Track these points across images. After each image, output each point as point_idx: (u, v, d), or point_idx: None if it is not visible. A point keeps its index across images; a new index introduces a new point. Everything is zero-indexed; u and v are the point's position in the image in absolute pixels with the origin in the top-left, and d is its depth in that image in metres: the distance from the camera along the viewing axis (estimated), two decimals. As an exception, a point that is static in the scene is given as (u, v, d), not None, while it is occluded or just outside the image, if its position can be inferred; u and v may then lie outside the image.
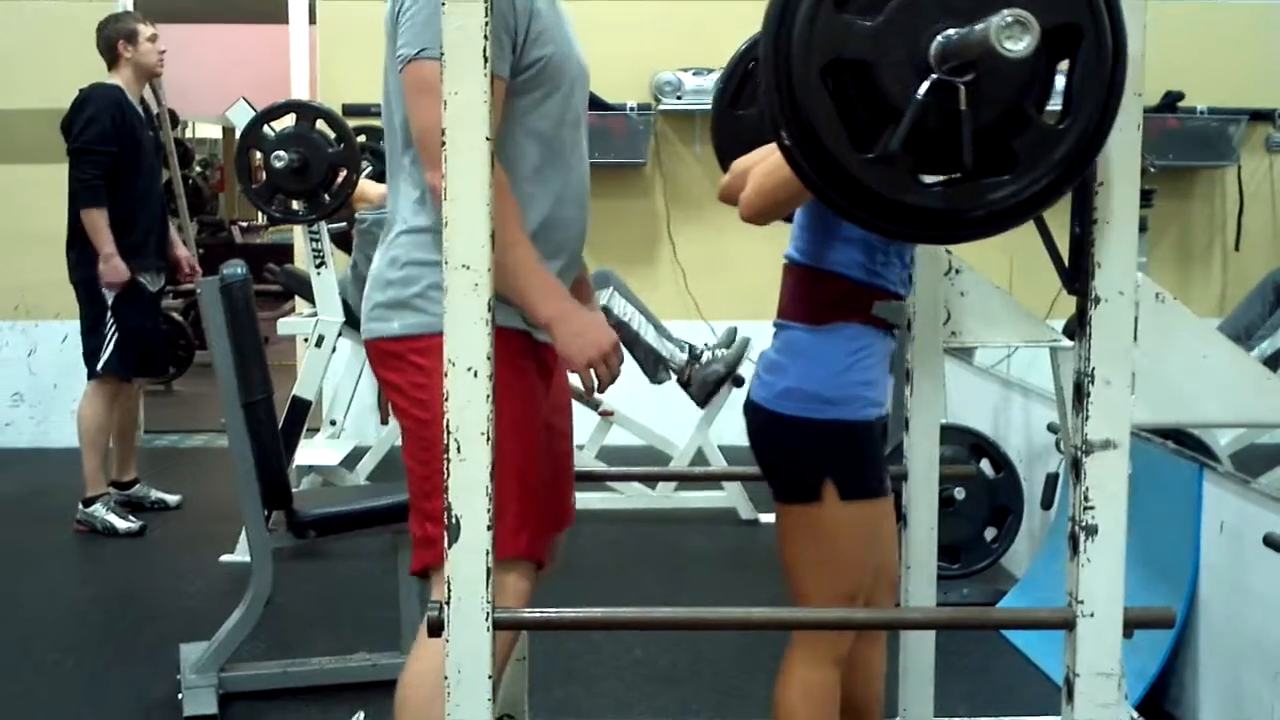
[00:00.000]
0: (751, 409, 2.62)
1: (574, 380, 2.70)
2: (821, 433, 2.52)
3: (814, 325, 2.53)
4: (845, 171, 1.89)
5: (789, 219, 2.65)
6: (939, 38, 1.82)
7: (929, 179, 1.91)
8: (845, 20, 1.85)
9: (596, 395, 2.55)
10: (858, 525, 2.54)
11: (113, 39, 5.68)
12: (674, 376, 5.67)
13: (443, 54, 1.94)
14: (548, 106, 2.51)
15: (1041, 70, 1.89)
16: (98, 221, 5.49)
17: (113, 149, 5.52)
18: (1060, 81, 1.90)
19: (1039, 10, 1.81)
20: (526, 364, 2.55)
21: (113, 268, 5.52)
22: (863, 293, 2.54)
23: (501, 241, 2.27)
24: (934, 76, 1.81)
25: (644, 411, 6.06)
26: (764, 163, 2.43)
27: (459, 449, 1.98)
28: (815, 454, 2.53)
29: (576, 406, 2.88)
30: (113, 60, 5.70)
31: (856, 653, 2.75)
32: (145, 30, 5.71)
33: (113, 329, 5.61)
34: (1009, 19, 1.70)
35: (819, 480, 2.50)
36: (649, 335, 5.68)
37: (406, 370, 2.52)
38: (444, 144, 1.96)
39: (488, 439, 1.98)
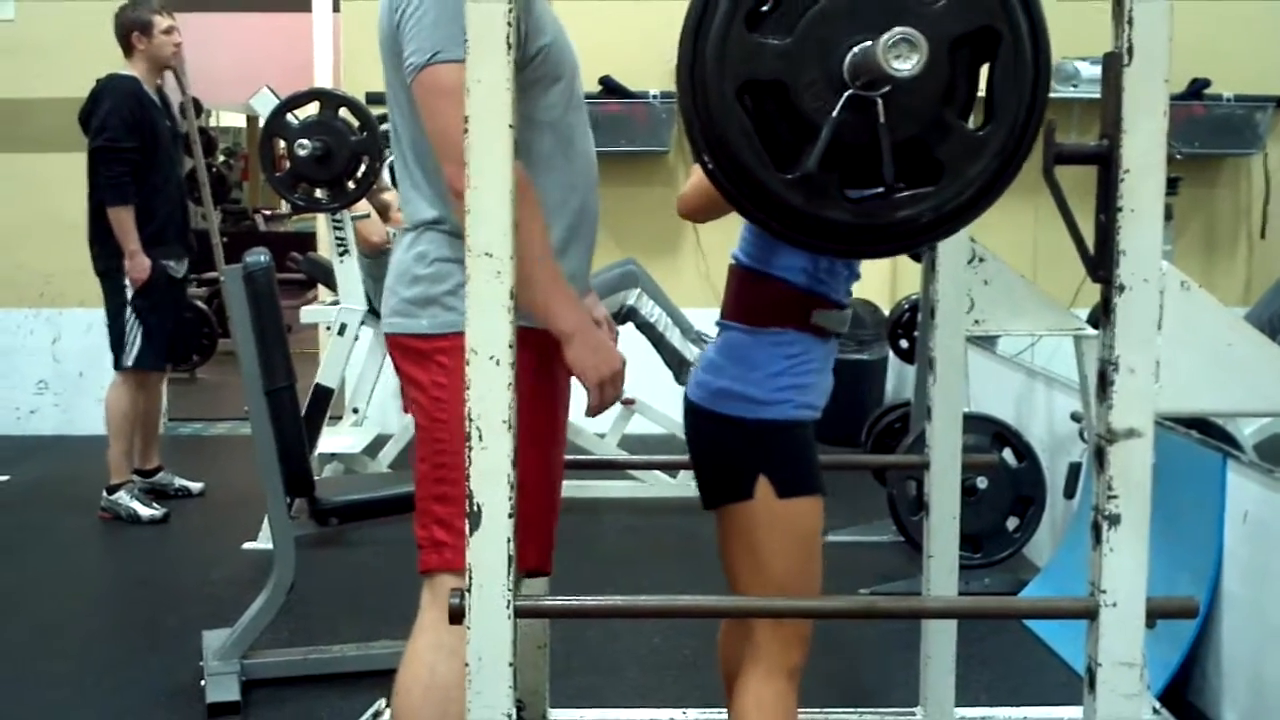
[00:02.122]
0: (688, 407, 2.63)
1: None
2: (752, 432, 2.52)
3: (752, 328, 2.53)
4: (766, 191, 1.89)
5: None
6: (852, 53, 1.81)
7: (855, 193, 1.90)
8: (757, 41, 1.84)
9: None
10: (797, 522, 2.54)
11: (127, 29, 5.68)
12: None
13: (466, 40, 1.93)
14: (553, 95, 2.51)
15: (963, 75, 1.88)
16: (124, 220, 5.50)
17: (135, 143, 5.53)
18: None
19: (954, 15, 1.81)
20: (550, 371, 2.54)
21: (138, 265, 5.54)
22: (803, 299, 2.52)
23: (529, 253, 2.28)
24: (849, 92, 1.81)
25: (665, 400, 6.05)
26: None
27: (480, 437, 1.98)
28: (747, 452, 2.53)
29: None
30: (128, 50, 5.70)
31: None
32: (161, 22, 5.70)
33: (136, 322, 5.63)
34: (896, 37, 1.69)
35: (752, 477, 2.50)
36: (674, 338, 5.67)
37: (431, 369, 2.51)
38: (466, 132, 1.96)
39: (509, 427, 1.98)
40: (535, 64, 2.45)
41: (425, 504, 2.57)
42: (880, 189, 1.89)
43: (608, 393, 2.48)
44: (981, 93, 1.93)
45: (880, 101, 1.79)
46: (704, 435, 2.61)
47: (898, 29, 1.70)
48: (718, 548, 2.64)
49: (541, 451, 2.53)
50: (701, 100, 1.87)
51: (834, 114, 1.81)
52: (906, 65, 1.70)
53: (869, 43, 1.78)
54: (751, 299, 2.55)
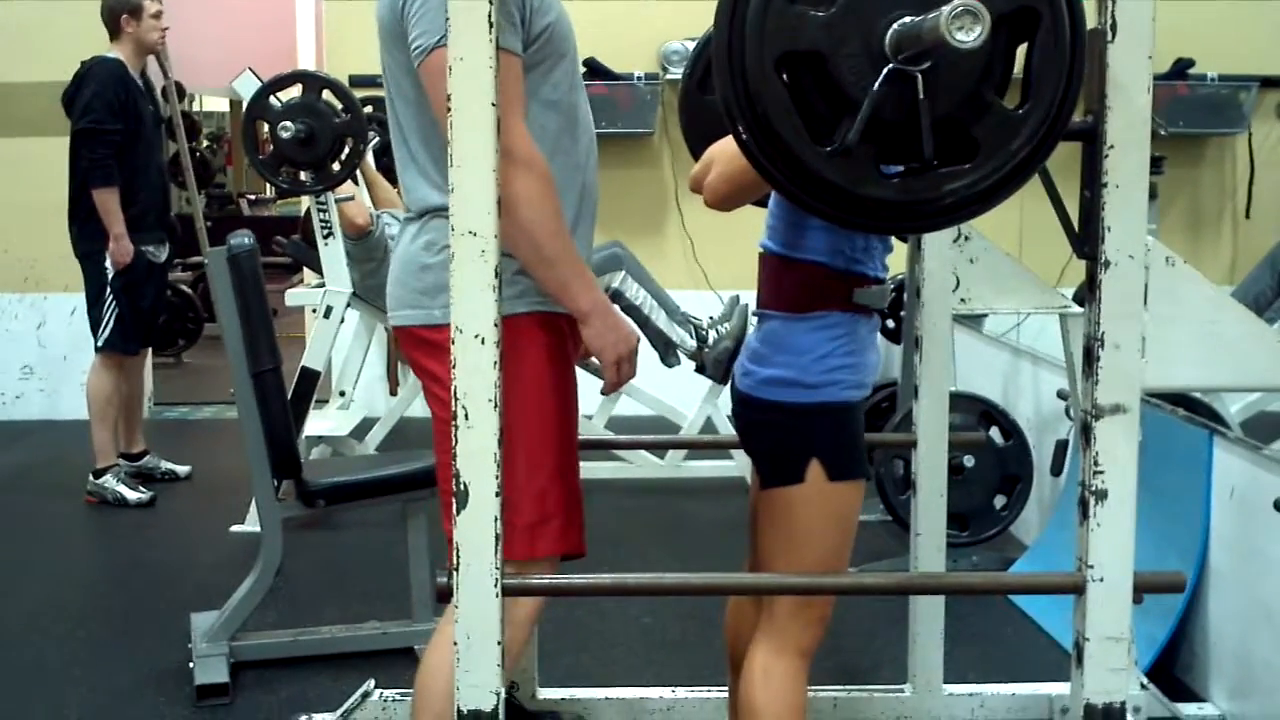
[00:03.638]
0: (738, 400, 2.62)
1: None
2: (804, 415, 2.51)
3: (793, 314, 2.51)
4: (803, 165, 1.87)
5: (761, 203, 2.63)
6: (894, 27, 1.79)
7: (890, 169, 1.89)
8: (798, 11, 1.82)
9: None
10: (843, 506, 2.53)
11: (116, 11, 5.66)
12: (686, 359, 5.68)
13: (448, 18, 1.93)
14: (558, 74, 2.50)
15: (1000, 54, 1.87)
16: (109, 201, 5.49)
17: (118, 126, 5.52)
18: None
19: None
20: (568, 354, 2.56)
21: (122, 248, 5.53)
22: (840, 279, 2.50)
23: (547, 231, 2.33)
24: (890, 67, 1.79)
25: (653, 381, 6.06)
26: (728, 149, 2.42)
27: (466, 416, 1.98)
28: (799, 436, 2.51)
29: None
30: (115, 32, 5.68)
31: None
32: (150, 6, 5.69)
33: (113, 304, 5.62)
34: (959, 8, 1.68)
35: (804, 461, 2.49)
36: (660, 320, 5.67)
37: (447, 361, 2.51)
38: (449, 110, 1.95)
39: (495, 406, 1.98)
40: (541, 43, 2.44)
41: (450, 498, 2.56)
42: (914, 165, 1.88)
43: (624, 370, 2.49)
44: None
45: (920, 77, 1.79)
46: (756, 424, 2.60)
47: (960, 1, 1.69)
48: (749, 526, 2.63)
49: (575, 434, 2.56)
50: (739, 72, 1.85)
51: (875, 86, 1.80)
52: (970, 36, 1.68)
53: (918, 16, 1.76)
54: (789, 285, 2.53)
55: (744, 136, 1.89)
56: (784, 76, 1.85)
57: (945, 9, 1.69)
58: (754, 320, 2.64)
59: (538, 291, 2.46)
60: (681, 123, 2.93)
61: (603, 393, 2.59)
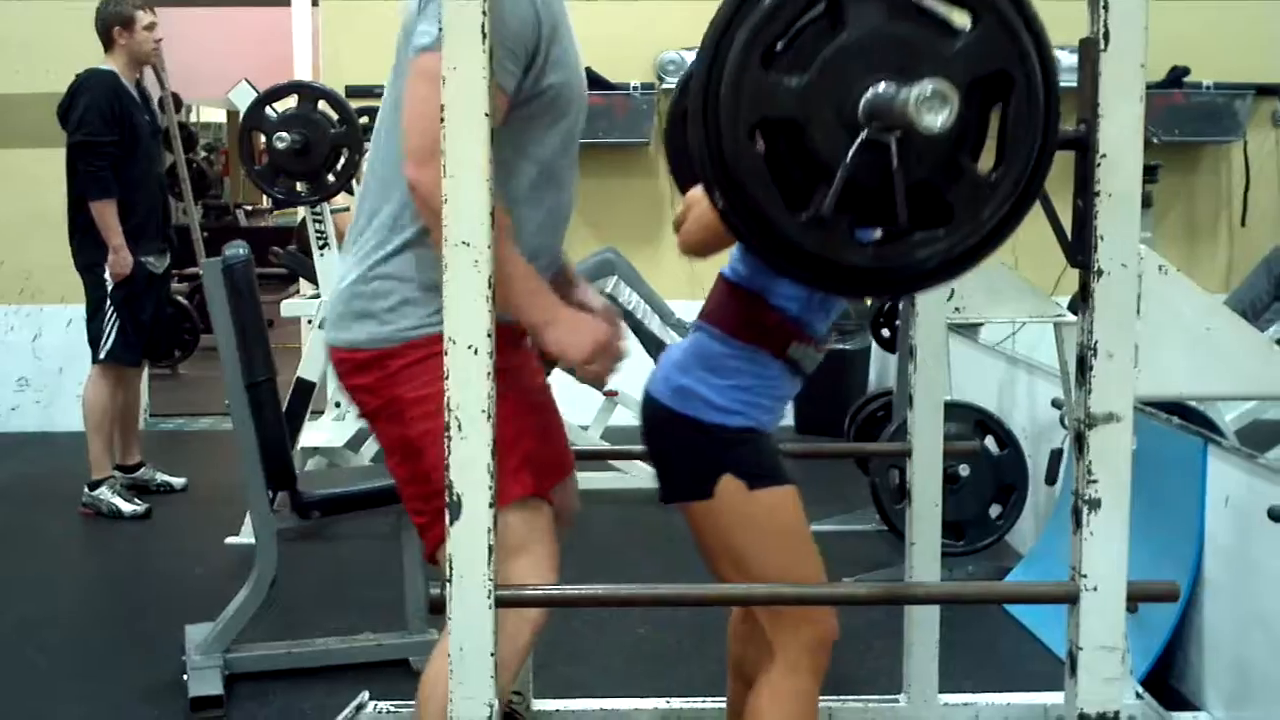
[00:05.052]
0: (646, 399, 2.62)
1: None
2: (709, 433, 2.52)
3: (730, 338, 2.51)
4: (779, 232, 1.87)
5: None
6: (867, 94, 1.79)
7: (866, 233, 1.89)
8: (773, 79, 1.82)
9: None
10: (775, 514, 2.52)
11: (109, 23, 5.66)
12: None
13: (440, 29, 1.93)
14: (551, 136, 2.48)
15: (974, 118, 1.87)
16: (107, 214, 5.49)
17: (114, 137, 5.52)
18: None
19: (970, 59, 1.80)
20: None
21: (121, 260, 5.53)
22: (782, 327, 2.52)
23: (511, 275, 2.30)
24: (863, 135, 1.79)
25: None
26: (704, 199, 2.43)
27: (460, 427, 1.98)
28: (706, 452, 2.52)
29: (580, 387, 2.88)
30: (108, 44, 5.69)
31: None
32: (143, 18, 5.69)
33: (114, 316, 5.62)
34: (928, 91, 1.68)
35: (712, 477, 2.49)
36: (653, 324, 5.67)
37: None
38: (443, 120, 1.95)
39: (488, 417, 1.98)
40: (541, 100, 2.43)
41: (423, 512, 2.58)
42: (888, 229, 1.88)
43: (597, 368, 2.46)
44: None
45: (894, 144, 1.78)
46: (659, 431, 2.60)
47: (930, 82, 1.68)
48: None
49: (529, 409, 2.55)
50: (715, 137, 1.85)
51: (848, 157, 1.79)
52: (938, 119, 1.69)
53: (889, 87, 1.76)
54: (735, 311, 2.53)
55: (720, 203, 1.90)
56: (760, 141, 1.85)
57: (913, 91, 1.69)
58: (690, 329, 2.65)
59: (425, 298, 2.45)
60: (668, 158, 2.91)
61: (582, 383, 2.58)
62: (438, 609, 2.04)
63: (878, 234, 1.90)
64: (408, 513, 2.65)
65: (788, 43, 1.84)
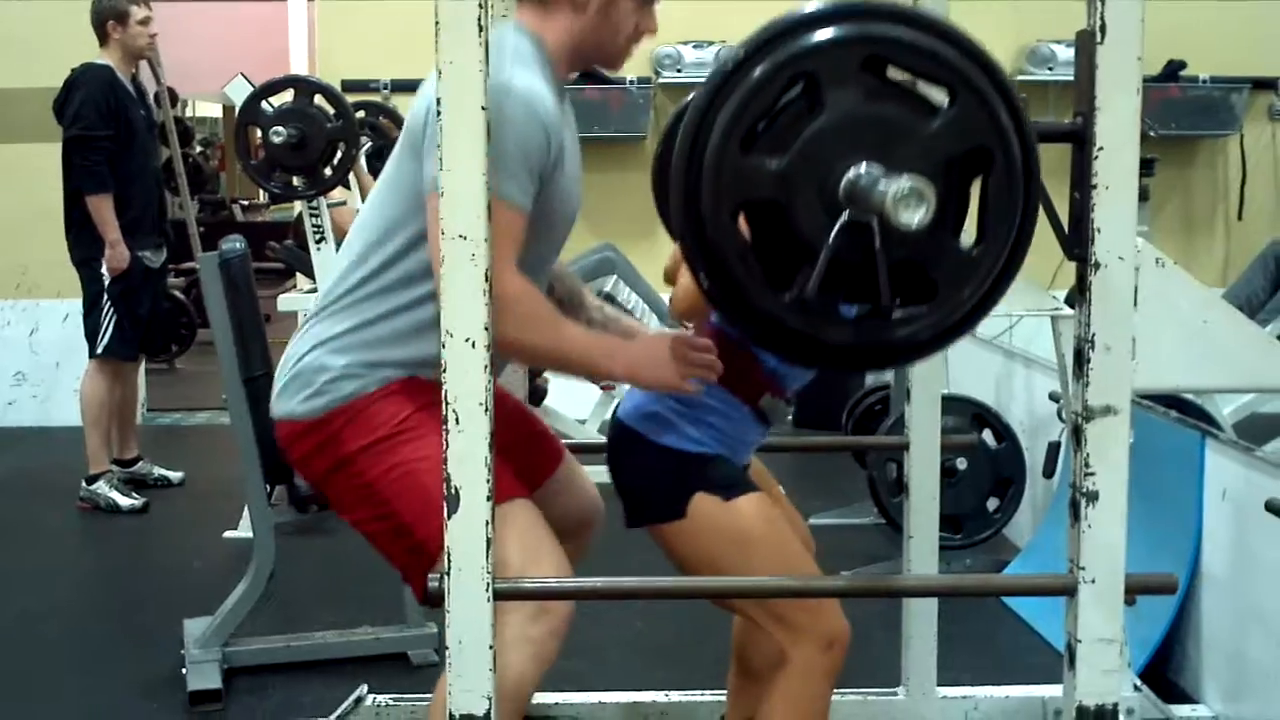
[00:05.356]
0: (616, 425, 2.66)
1: None
2: (679, 458, 2.55)
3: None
4: (764, 313, 1.89)
5: None
6: (847, 176, 1.80)
7: (848, 307, 1.92)
8: (753, 162, 1.83)
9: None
10: (753, 518, 2.54)
11: (103, 17, 5.65)
12: None
13: (440, 29, 1.93)
14: (536, 244, 2.47)
15: (954, 194, 1.88)
16: (103, 209, 5.48)
17: (109, 132, 5.51)
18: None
19: (949, 136, 1.81)
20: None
21: (118, 254, 5.53)
22: (762, 381, 2.57)
23: (548, 347, 2.39)
24: (845, 217, 1.80)
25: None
26: None
27: (457, 420, 1.98)
28: (677, 475, 2.55)
29: (574, 382, 2.89)
30: (103, 38, 5.68)
31: None
32: (137, 12, 5.68)
33: (110, 310, 5.62)
34: (905, 189, 1.68)
35: (683, 498, 2.51)
36: (652, 324, 5.67)
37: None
38: (439, 114, 1.95)
39: (485, 410, 1.98)
40: (534, 217, 2.43)
41: (395, 552, 2.63)
42: (873, 304, 1.89)
43: (695, 372, 2.41)
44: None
45: (876, 224, 1.79)
46: (628, 454, 2.63)
47: (907, 179, 1.69)
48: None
49: None
50: (697, 220, 1.86)
51: (830, 239, 1.80)
52: (915, 217, 1.69)
53: (867, 178, 1.77)
54: (720, 359, 2.54)
55: (705, 284, 1.91)
56: (742, 222, 1.87)
57: (891, 189, 1.69)
58: None
59: (367, 371, 2.52)
60: (654, 194, 2.90)
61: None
62: (435, 602, 2.04)
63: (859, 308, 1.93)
64: (394, 565, 2.68)
65: (767, 124, 1.85)
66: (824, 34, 1.82)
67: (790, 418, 6.38)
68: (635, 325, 2.83)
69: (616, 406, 2.69)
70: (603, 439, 2.80)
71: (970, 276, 1.87)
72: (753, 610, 2.57)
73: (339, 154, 5.41)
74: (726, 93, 1.83)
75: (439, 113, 1.96)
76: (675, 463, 2.55)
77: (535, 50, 2.44)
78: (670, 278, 2.70)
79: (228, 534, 5.27)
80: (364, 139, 5.94)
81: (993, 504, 4.77)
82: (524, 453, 2.71)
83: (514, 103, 2.27)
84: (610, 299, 5.57)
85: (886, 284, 1.82)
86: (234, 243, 3.80)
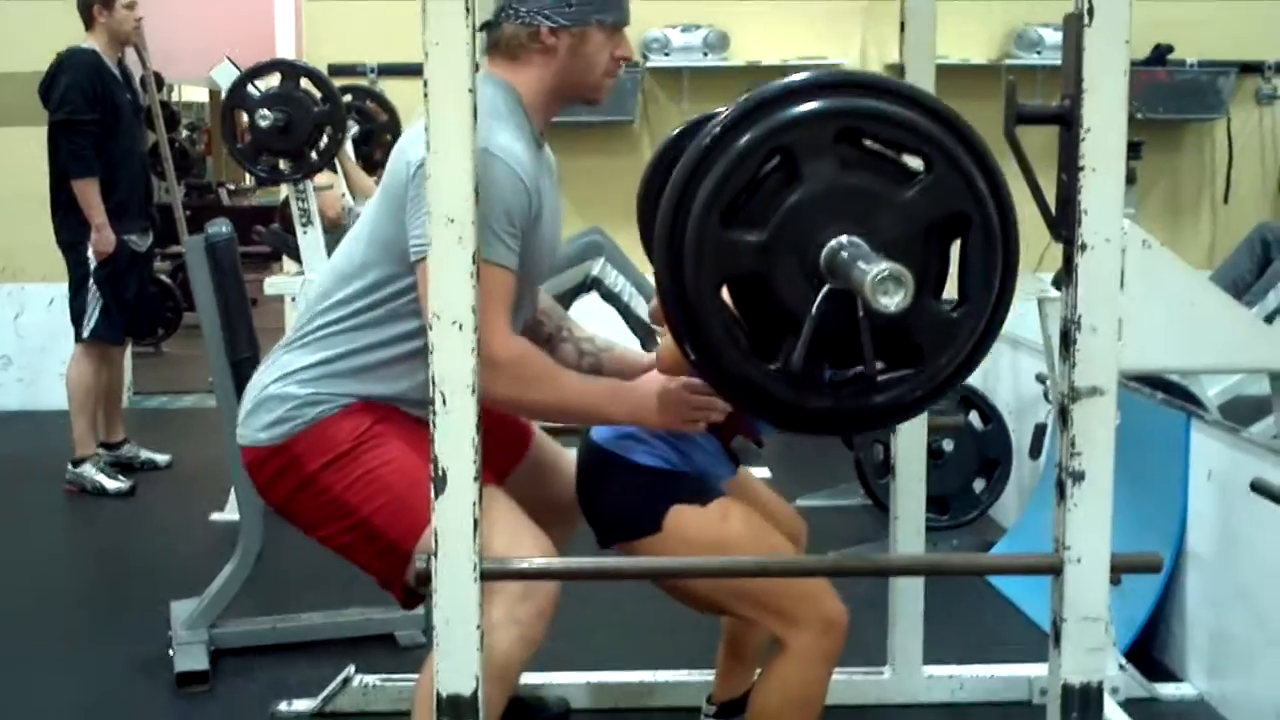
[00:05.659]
0: (590, 445, 2.71)
1: None
2: (654, 475, 2.61)
3: None
4: (750, 383, 1.91)
5: None
6: (827, 246, 1.81)
7: (833, 372, 1.94)
8: (733, 237, 1.85)
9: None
10: (729, 518, 2.58)
11: (89, 1, 5.64)
12: None
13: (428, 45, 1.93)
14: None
15: (934, 257, 1.90)
16: (89, 192, 5.48)
17: (95, 116, 5.50)
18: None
19: (925, 202, 1.82)
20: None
21: (104, 238, 5.52)
22: (741, 428, 2.65)
23: (553, 404, 2.47)
24: (826, 288, 1.82)
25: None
26: None
27: (444, 401, 1.98)
28: (652, 490, 2.59)
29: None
30: (88, 22, 5.67)
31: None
32: None
33: (96, 294, 5.61)
34: (883, 274, 1.69)
35: (660, 511, 2.55)
36: (640, 307, 5.66)
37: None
38: (425, 96, 1.95)
39: (472, 390, 1.98)
40: None
41: (366, 559, 2.68)
42: (857, 372, 1.91)
43: (700, 415, 2.48)
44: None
45: (860, 298, 1.79)
46: (600, 473, 2.68)
47: (885, 265, 1.69)
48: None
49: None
50: (682, 295, 1.88)
51: (813, 310, 1.82)
52: (894, 301, 1.70)
53: (849, 247, 1.79)
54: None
55: (691, 355, 1.93)
56: (726, 294, 1.90)
57: (870, 273, 1.70)
58: None
59: (328, 398, 2.58)
60: (640, 231, 2.91)
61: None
62: (423, 582, 2.05)
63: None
64: (372, 576, 2.72)
65: (747, 197, 1.87)
66: (799, 108, 1.85)
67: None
68: (627, 354, 2.88)
69: (590, 432, 2.75)
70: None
71: (953, 339, 1.90)
72: (747, 610, 2.60)
73: (325, 138, 5.39)
74: (706, 167, 1.85)
75: (425, 94, 1.95)
76: (650, 478, 2.60)
77: (510, 102, 2.49)
78: (658, 320, 2.72)
79: (214, 516, 5.27)
80: (350, 123, 5.92)
81: (979, 485, 4.79)
82: (491, 441, 2.73)
83: (494, 166, 2.33)
84: (597, 282, 5.56)
85: (871, 354, 1.85)
86: (220, 226, 3.80)
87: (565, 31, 2.51)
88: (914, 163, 1.89)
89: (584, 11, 2.51)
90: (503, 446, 2.78)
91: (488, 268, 2.21)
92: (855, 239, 1.81)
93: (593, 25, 2.53)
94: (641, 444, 2.61)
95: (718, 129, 1.86)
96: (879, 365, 1.89)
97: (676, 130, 2.68)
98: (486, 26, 2.52)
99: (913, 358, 1.90)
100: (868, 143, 1.89)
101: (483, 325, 2.03)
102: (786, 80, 1.87)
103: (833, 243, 1.81)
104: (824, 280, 1.82)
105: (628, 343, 3.13)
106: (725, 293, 1.93)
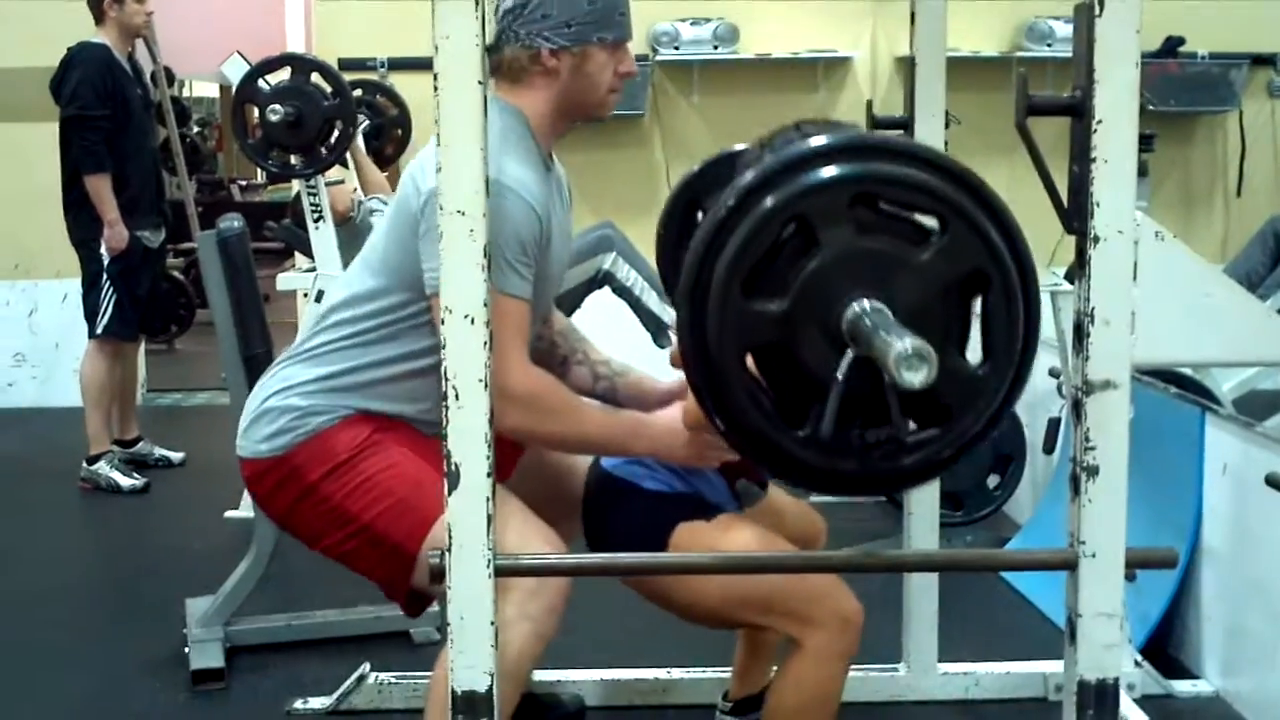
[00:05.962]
0: (596, 472, 2.75)
1: None
2: (660, 496, 2.64)
3: None
4: (779, 450, 1.91)
5: None
6: (848, 313, 1.81)
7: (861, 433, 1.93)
8: (755, 307, 1.85)
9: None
10: (740, 525, 2.60)
11: None
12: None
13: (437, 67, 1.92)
14: None
15: (955, 317, 1.89)
16: (102, 188, 5.48)
17: (106, 111, 5.51)
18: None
19: (943, 262, 1.81)
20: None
21: (116, 234, 5.53)
22: (746, 470, 2.68)
23: (570, 438, 2.51)
24: (850, 355, 1.81)
25: (644, 364, 6.04)
26: None
27: (457, 396, 1.98)
28: (659, 513, 2.62)
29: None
30: (99, 16, 5.67)
31: None
32: None
33: (110, 290, 5.62)
34: (908, 352, 1.68)
35: (665, 532, 2.58)
36: (652, 301, 5.64)
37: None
38: (436, 90, 1.95)
39: (485, 386, 1.98)
40: None
41: (369, 567, 2.68)
42: (886, 433, 1.91)
43: (712, 454, 2.51)
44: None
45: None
46: (607, 498, 2.71)
47: (908, 342, 1.68)
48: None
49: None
50: (705, 364, 1.88)
51: (840, 377, 1.81)
52: (918, 378, 1.69)
53: (870, 314, 1.79)
54: None
55: (720, 425, 1.93)
56: (751, 364, 1.90)
57: (894, 349, 1.68)
58: None
59: (328, 410, 2.59)
60: (660, 275, 2.93)
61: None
62: (437, 578, 2.04)
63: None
64: (376, 585, 2.73)
65: (767, 265, 1.86)
66: (813, 176, 1.84)
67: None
68: (643, 380, 2.88)
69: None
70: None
71: (980, 395, 1.89)
72: (758, 618, 2.60)
73: (336, 132, 5.38)
74: (723, 238, 1.84)
75: (436, 88, 1.95)
76: (656, 502, 2.63)
77: (518, 127, 2.50)
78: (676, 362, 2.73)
79: (229, 514, 5.26)
80: (361, 117, 5.91)
81: (993, 481, 4.78)
82: None
83: (507, 197, 2.33)
84: (609, 276, 5.55)
85: (899, 417, 1.85)
86: (232, 222, 3.80)
87: (566, 52, 2.51)
88: (933, 221, 1.89)
89: (584, 31, 2.50)
90: (501, 446, 2.77)
91: (502, 298, 2.23)
92: (877, 304, 1.80)
93: (594, 44, 2.52)
94: (654, 471, 2.64)
95: (733, 199, 1.85)
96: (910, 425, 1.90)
97: (696, 169, 2.68)
98: (487, 50, 2.52)
99: (940, 416, 1.89)
100: (884, 205, 1.88)
101: (497, 357, 2.04)
102: (798, 149, 1.86)
103: (854, 309, 1.80)
104: (847, 345, 1.82)
105: (637, 340, 3.13)
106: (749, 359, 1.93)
